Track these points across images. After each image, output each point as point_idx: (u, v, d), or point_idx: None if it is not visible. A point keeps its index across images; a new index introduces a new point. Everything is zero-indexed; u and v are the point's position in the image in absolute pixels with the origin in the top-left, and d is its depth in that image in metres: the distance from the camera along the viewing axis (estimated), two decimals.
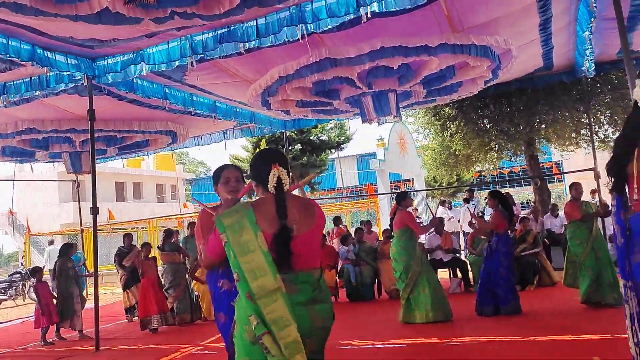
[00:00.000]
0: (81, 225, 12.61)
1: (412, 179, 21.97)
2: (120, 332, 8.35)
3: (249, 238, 2.16)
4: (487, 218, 9.82)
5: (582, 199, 7.06)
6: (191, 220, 11.40)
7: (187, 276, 8.52)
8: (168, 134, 9.67)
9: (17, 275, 15.66)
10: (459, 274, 9.40)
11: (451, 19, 5.73)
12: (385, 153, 17.39)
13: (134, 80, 7.04)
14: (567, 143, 11.83)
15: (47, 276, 11.21)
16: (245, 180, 3.20)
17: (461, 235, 13.60)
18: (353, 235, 9.92)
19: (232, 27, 5.54)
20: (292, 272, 2.18)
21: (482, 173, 21.17)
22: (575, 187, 7.03)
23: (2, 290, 15.07)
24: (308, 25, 5.30)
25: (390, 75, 6.73)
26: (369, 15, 5.03)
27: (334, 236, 11.46)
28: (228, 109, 9.30)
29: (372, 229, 12.13)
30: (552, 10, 5.98)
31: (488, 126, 10.88)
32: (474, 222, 7.14)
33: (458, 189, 22.86)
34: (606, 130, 11.62)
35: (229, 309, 2.81)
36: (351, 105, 8.01)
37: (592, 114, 10.14)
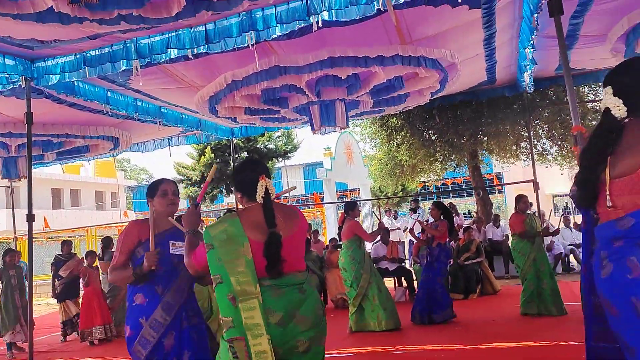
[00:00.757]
0: (15, 233, 11.98)
1: (358, 188, 22.16)
2: (56, 344, 7.97)
3: (235, 247, 2.28)
4: None
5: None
6: None
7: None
8: (110, 140, 9.33)
9: None
10: (404, 283, 9.51)
11: (400, 31, 5.81)
12: (332, 162, 17.46)
13: (75, 83, 6.76)
14: (507, 155, 12.22)
15: None
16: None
17: (406, 245, 13.78)
18: None
19: (180, 32, 5.42)
20: (280, 276, 2.30)
21: (426, 183, 21.59)
22: (524, 200, 7.23)
23: None
24: (258, 32, 5.25)
25: (339, 84, 6.74)
26: (319, 24, 5.02)
27: None
28: (174, 114, 9.08)
29: (319, 238, 12.12)
30: (496, 26, 6.16)
31: (433, 137, 11.10)
32: (423, 227, 7.27)
33: (402, 199, 23.22)
34: (544, 144, 12.09)
35: (137, 324, 2.88)
36: (299, 114, 7.98)
37: (532, 127, 10.51)
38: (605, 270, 1.88)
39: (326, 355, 5.21)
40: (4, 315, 7.41)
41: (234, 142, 12.33)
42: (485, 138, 11.35)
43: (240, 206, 2.62)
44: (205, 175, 17.00)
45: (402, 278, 9.55)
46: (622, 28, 6.17)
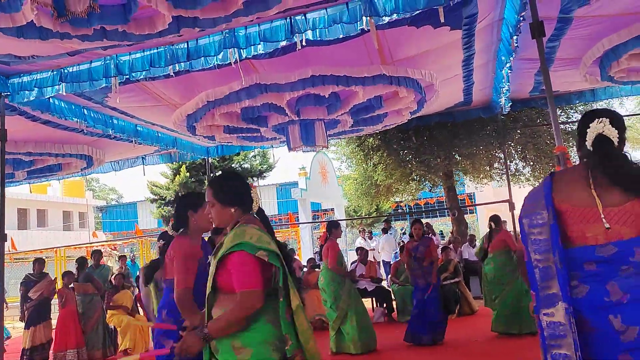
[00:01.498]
0: None
1: (333, 208, 22.16)
2: None
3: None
4: None
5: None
6: (96, 249, 10.71)
7: (103, 308, 7.99)
8: (83, 158, 9.14)
9: None
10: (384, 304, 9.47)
11: (382, 51, 5.85)
12: (307, 182, 17.44)
13: (51, 101, 6.61)
14: (481, 176, 12.38)
15: None
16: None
17: (381, 265, 13.78)
18: None
19: (162, 49, 5.36)
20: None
21: (400, 204, 21.70)
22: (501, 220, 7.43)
23: None
24: (241, 50, 5.22)
25: (320, 103, 6.75)
26: (303, 43, 5.03)
27: None
28: (149, 133, 8.96)
29: (295, 257, 12.02)
30: (475, 47, 6.26)
31: (410, 157, 11.17)
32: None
33: (376, 219, 23.29)
34: (517, 165, 12.29)
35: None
36: (278, 133, 7.95)
37: (506, 148, 10.67)
38: (579, 290, 2.05)
39: None
40: None
41: (209, 161, 12.20)
42: (460, 158, 11.48)
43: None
44: (180, 194, 16.78)
45: (381, 298, 9.51)
46: (597, 52, 6.33)
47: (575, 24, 5.78)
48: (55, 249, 17.64)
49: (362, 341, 6.47)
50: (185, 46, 5.32)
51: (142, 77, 5.62)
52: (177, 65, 5.38)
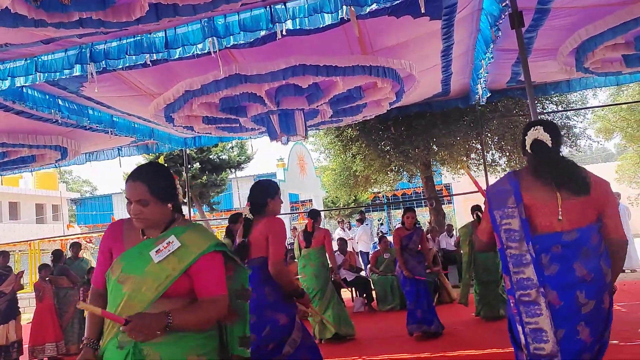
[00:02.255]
0: None
1: (311, 199, 22.16)
2: None
3: None
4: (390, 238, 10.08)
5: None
6: (75, 241, 10.55)
7: (79, 303, 7.86)
8: (58, 149, 8.96)
9: None
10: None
11: (362, 41, 5.84)
12: (285, 173, 17.38)
13: (24, 90, 6.45)
14: (458, 166, 12.49)
15: None
16: None
17: (358, 255, 13.83)
18: None
19: (139, 37, 5.26)
20: None
21: (378, 195, 21.80)
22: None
23: None
24: (220, 39, 5.16)
25: (300, 94, 6.71)
26: (284, 33, 4.99)
27: None
28: (126, 124, 8.82)
29: None
30: (454, 38, 6.28)
31: (388, 148, 11.21)
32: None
33: (354, 210, 23.38)
34: (493, 155, 12.42)
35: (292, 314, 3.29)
36: (257, 124, 7.89)
37: (483, 139, 10.78)
38: (550, 269, 2.45)
39: None
40: None
41: (187, 152, 12.08)
42: (438, 148, 11.56)
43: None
44: None
45: (361, 288, 9.56)
46: (573, 43, 6.41)
47: (552, 15, 5.84)
48: (29, 242, 17.33)
49: (344, 325, 6.55)
50: (163, 35, 5.22)
51: (118, 66, 5.51)
52: (154, 54, 5.30)
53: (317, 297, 6.62)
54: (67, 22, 3.96)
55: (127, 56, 5.25)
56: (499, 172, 12.53)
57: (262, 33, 5.07)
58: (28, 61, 5.56)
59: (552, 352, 2.35)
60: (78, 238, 17.78)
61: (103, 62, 5.35)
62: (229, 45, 5.28)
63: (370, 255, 10.68)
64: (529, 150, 2.72)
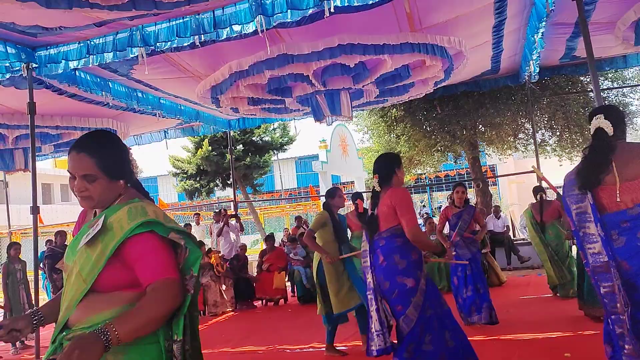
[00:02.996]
0: (9, 227, 11.77)
1: (353, 181, 22.10)
2: None
3: None
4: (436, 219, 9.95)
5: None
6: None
7: None
8: None
9: None
10: None
11: (411, 17, 5.71)
12: (327, 155, 17.35)
13: (77, 74, 6.60)
14: (505, 147, 12.19)
15: None
16: None
17: None
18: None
19: (187, 19, 5.28)
20: None
21: (420, 176, 21.54)
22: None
23: None
24: (268, 18, 5.12)
25: (346, 73, 6.63)
26: (332, 10, 4.91)
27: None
28: (173, 106, 8.94)
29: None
30: (507, 12, 6.08)
31: (434, 128, 11.02)
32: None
33: None
34: (543, 135, 12.05)
35: (417, 277, 3.40)
36: (302, 104, 7.87)
37: (533, 118, 10.46)
38: (619, 241, 2.77)
39: (342, 347, 5.13)
40: (12, 309, 7.31)
41: (231, 134, 12.18)
42: (485, 129, 11.30)
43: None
44: (202, 168, 16.80)
45: None
46: (633, 16, 6.11)
47: None
48: None
49: None
50: (212, 15, 5.23)
51: (167, 47, 5.55)
52: (202, 35, 5.31)
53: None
54: (121, 3, 3.98)
55: (176, 38, 5.29)
56: (548, 152, 12.17)
57: (310, 11, 5.02)
58: (81, 44, 5.68)
59: (621, 311, 2.75)
60: None
61: (153, 44, 5.41)
62: (276, 24, 5.25)
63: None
64: (592, 138, 2.95)
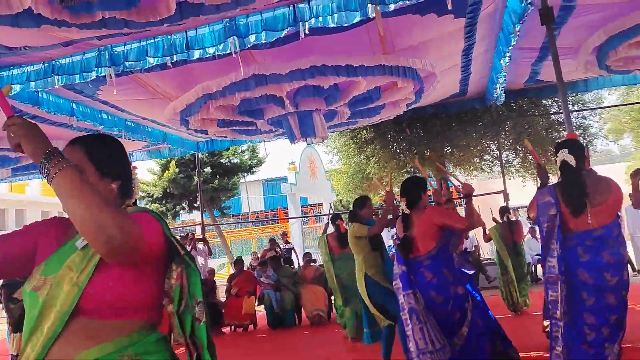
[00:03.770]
0: None
1: (322, 203, 22.05)
2: None
3: None
4: None
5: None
6: None
7: None
8: None
9: None
10: None
11: (385, 40, 5.75)
12: (296, 177, 17.29)
13: (39, 94, 6.40)
14: (471, 168, 12.36)
15: None
16: None
17: None
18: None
19: (159, 39, 5.19)
20: None
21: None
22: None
23: None
24: (242, 39, 5.08)
25: (319, 95, 6.62)
26: (306, 32, 4.91)
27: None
28: (140, 128, 8.76)
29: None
30: (476, 36, 6.19)
31: (403, 149, 11.10)
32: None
33: None
34: (507, 156, 12.28)
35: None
36: (274, 126, 7.81)
37: (499, 140, 10.66)
38: (584, 257, 3.29)
39: None
40: None
41: (199, 156, 12.01)
42: (451, 150, 11.43)
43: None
44: (168, 191, 16.46)
45: None
46: (597, 40, 6.30)
47: (577, 12, 5.74)
48: None
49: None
50: (184, 36, 5.16)
51: (137, 68, 5.44)
52: (175, 55, 5.22)
53: (354, 295, 6.44)
54: (91, 22, 3.87)
55: (147, 58, 5.19)
56: (512, 173, 12.38)
57: (285, 32, 5.00)
58: (45, 64, 5.50)
59: (560, 317, 3.28)
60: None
61: (123, 64, 5.29)
62: (250, 46, 5.22)
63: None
64: (559, 170, 3.47)
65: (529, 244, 11.99)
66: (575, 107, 11.74)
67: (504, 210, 7.47)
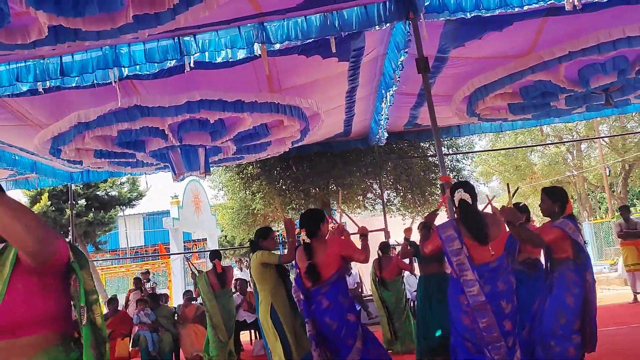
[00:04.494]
0: None
1: (206, 238, 21.52)
2: None
3: None
4: None
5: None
6: None
7: None
8: None
9: None
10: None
11: (271, 79, 5.81)
12: (179, 211, 16.76)
13: None
14: (355, 205, 12.72)
15: None
16: None
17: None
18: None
19: (30, 62, 4.86)
20: None
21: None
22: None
23: None
24: (122, 69, 4.90)
25: (204, 129, 6.51)
26: (191, 65, 4.85)
27: None
28: (5, 155, 8.06)
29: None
30: (359, 80, 6.45)
31: (289, 186, 11.19)
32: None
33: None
34: (389, 195, 12.80)
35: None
36: (156, 159, 7.54)
37: (381, 179, 11.09)
38: (486, 289, 3.48)
39: None
40: None
41: (73, 188, 11.26)
42: (336, 188, 11.71)
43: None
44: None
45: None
46: (467, 91, 6.82)
47: (450, 64, 6.20)
48: None
49: None
50: (58, 61, 4.87)
51: (6, 93, 5.04)
52: (47, 81, 4.91)
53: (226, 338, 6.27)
54: None
55: (17, 83, 4.82)
56: (393, 211, 12.90)
57: (168, 64, 4.90)
58: None
59: (498, 339, 3.43)
60: None
61: None
62: (131, 75, 5.05)
63: None
64: (456, 207, 3.73)
65: (408, 281, 12.47)
66: (450, 151, 12.57)
67: (381, 247, 7.71)
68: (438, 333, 5.46)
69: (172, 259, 16.44)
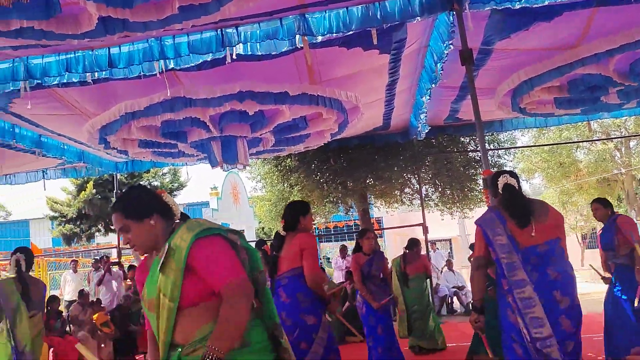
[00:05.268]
0: None
1: (243, 229, 21.78)
2: None
3: None
4: None
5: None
6: None
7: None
8: None
9: None
10: None
11: (312, 70, 5.83)
12: (218, 202, 16.99)
13: None
14: (392, 200, 12.65)
15: None
16: None
17: None
18: None
19: (80, 54, 5.00)
20: None
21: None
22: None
23: None
24: (167, 60, 5.00)
25: (244, 121, 6.58)
26: (234, 57, 4.91)
27: None
28: (55, 144, 8.33)
29: None
30: (400, 72, 6.41)
31: (327, 179, 11.21)
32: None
33: None
34: (427, 190, 12.68)
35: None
36: (196, 150, 7.67)
37: (420, 174, 11.00)
38: (533, 276, 3.19)
39: None
40: None
41: (117, 177, 11.57)
42: (372, 182, 11.66)
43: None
44: (83, 212, 15.64)
45: None
46: (511, 84, 6.68)
47: (494, 56, 6.08)
48: None
49: None
50: (106, 52, 5.00)
51: (55, 82, 5.20)
52: (96, 72, 5.05)
53: None
54: (6, 30, 3.67)
55: (66, 73, 4.97)
56: (431, 206, 12.76)
57: (211, 56, 4.97)
58: None
59: (549, 333, 3.10)
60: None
61: (40, 78, 5.04)
62: (176, 67, 5.14)
63: None
64: (501, 192, 3.48)
65: (446, 276, 12.38)
66: (492, 146, 12.36)
67: (411, 242, 7.55)
68: None
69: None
